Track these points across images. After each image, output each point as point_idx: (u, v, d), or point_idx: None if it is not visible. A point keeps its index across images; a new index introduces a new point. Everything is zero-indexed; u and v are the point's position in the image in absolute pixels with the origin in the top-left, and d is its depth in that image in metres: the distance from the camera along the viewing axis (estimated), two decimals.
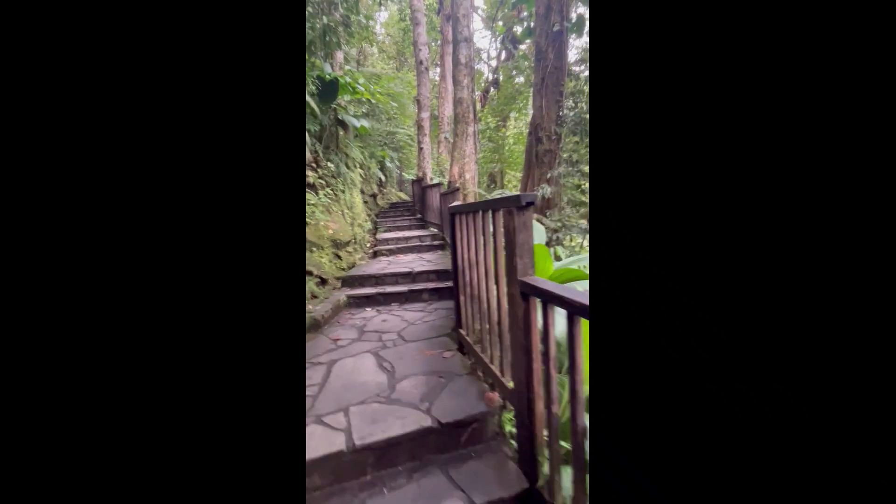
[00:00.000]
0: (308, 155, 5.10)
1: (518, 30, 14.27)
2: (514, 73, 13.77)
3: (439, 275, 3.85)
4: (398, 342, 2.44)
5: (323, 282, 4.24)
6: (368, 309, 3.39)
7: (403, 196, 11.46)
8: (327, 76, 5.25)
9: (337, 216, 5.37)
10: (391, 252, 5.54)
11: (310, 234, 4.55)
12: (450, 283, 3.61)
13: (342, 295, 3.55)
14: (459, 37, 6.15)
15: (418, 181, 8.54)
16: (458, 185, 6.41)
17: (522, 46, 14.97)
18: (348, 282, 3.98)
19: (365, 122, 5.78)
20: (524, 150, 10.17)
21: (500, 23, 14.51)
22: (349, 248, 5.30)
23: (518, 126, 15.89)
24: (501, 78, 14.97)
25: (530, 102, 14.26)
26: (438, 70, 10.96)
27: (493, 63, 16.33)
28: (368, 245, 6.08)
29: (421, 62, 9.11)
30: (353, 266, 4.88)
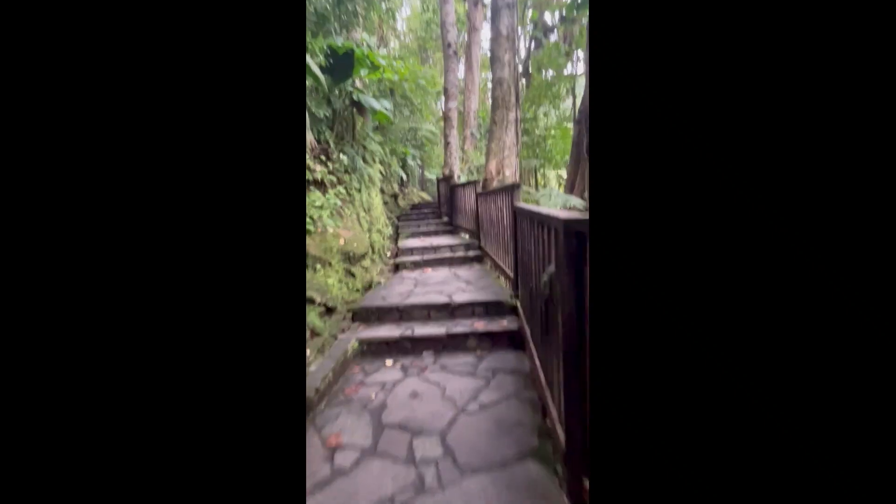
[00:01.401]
0: (315, 143, 4.07)
1: (548, 20, 13.04)
2: (545, 63, 12.50)
3: (488, 309, 2.71)
4: (444, 467, 1.33)
5: (328, 311, 3.16)
6: (389, 362, 2.30)
7: (426, 196, 10.54)
8: (340, 48, 4.21)
9: (350, 221, 4.30)
10: (416, 265, 4.45)
11: (313, 247, 3.49)
12: (506, 325, 2.48)
13: (352, 339, 2.47)
14: (500, 2, 5.02)
15: (445, 180, 7.44)
16: (494, 182, 5.28)
17: (553, 37, 13.73)
18: (362, 315, 2.90)
19: (387, 104, 4.68)
20: (568, 144, 8.92)
21: (531, 10, 13.29)
22: (365, 263, 4.22)
23: (548, 120, 14.57)
24: (531, 69, 13.76)
25: (563, 93, 13.00)
26: (463, 62, 9.80)
27: (522, 54, 15.10)
28: (389, 254, 5.01)
29: (449, 45, 7.99)
30: (369, 286, 3.81)
